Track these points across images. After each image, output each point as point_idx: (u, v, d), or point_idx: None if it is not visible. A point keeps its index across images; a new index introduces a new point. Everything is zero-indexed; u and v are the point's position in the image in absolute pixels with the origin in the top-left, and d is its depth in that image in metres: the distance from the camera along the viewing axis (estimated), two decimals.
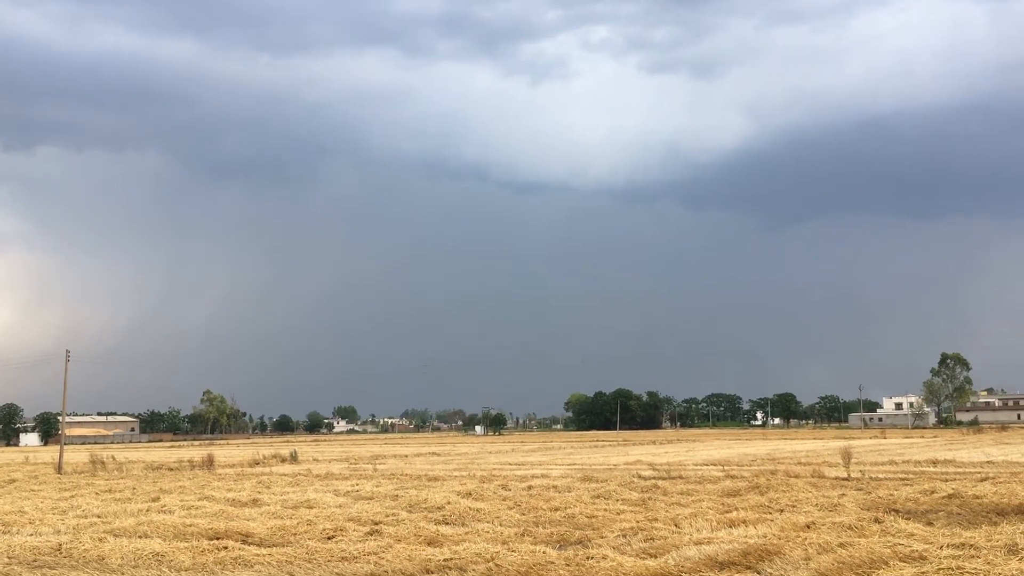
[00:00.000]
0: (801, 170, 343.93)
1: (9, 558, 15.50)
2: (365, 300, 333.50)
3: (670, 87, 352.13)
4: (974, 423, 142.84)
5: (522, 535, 17.00)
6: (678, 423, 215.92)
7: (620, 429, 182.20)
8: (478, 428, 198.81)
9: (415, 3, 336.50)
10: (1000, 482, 25.74)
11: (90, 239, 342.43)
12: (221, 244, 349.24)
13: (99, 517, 21.60)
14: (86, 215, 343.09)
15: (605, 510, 20.82)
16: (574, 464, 43.54)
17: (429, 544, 16.08)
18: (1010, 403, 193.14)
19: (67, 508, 24.01)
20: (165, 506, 23.74)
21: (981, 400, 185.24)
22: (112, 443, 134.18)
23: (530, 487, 27.53)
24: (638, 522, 18.36)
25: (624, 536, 16.53)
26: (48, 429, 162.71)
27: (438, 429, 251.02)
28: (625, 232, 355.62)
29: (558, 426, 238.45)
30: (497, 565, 13.42)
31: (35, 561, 15.16)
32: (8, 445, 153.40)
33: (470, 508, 21.55)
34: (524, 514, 20.50)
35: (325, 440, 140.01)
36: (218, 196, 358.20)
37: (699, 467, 37.80)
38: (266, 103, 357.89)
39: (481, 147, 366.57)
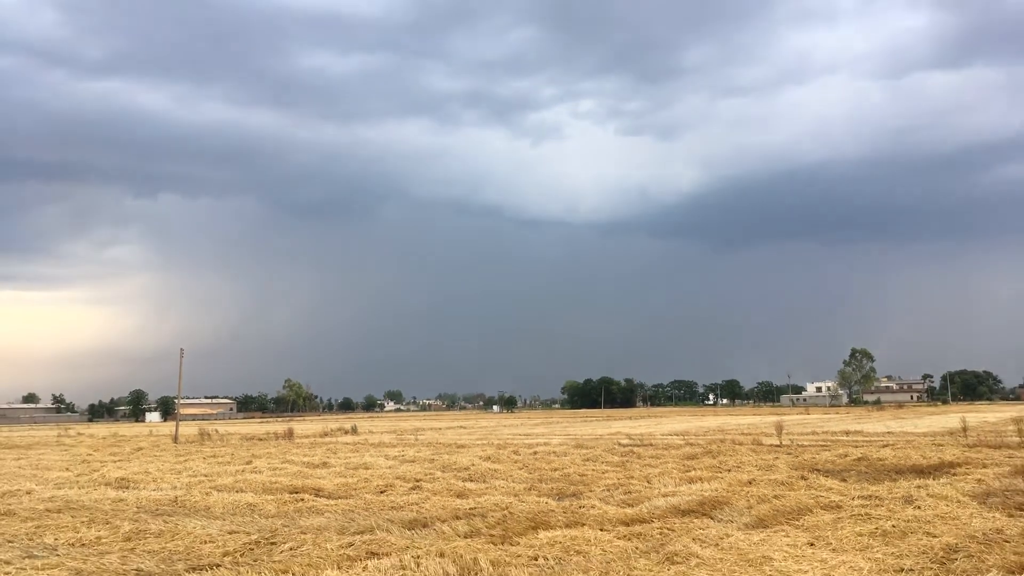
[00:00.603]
0: (743, 208, 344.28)
1: (138, 508, 15.53)
2: (409, 307, 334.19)
3: (640, 146, 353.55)
4: (877, 402, 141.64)
5: (529, 489, 16.94)
6: (649, 403, 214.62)
7: (604, 408, 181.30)
8: (495, 407, 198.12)
9: (447, 83, 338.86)
10: (898, 448, 25.55)
11: (199, 264, 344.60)
12: (299, 266, 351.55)
13: (206, 476, 21.62)
14: (197, 246, 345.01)
15: (593, 470, 20.74)
16: (569, 435, 43.38)
17: (458, 496, 16.04)
18: (904, 387, 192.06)
19: (181, 469, 24.05)
20: (256, 468, 23.75)
21: (882, 384, 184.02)
22: (215, 420, 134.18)
23: (535, 453, 27.43)
24: (618, 479, 18.28)
25: (608, 490, 16.46)
26: (167, 409, 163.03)
27: (464, 408, 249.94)
28: (607, 256, 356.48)
29: (557, 406, 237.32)
30: (511, 512, 13.37)
31: (158, 510, 15.18)
32: (137, 421, 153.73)
33: (489, 469, 21.48)
34: (531, 473, 20.44)
35: (378, 417, 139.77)
36: (297, 230, 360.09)
37: (665, 437, 37.59)
38: (332, 160, 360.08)
39: (497, 192, 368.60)
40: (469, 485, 17.81)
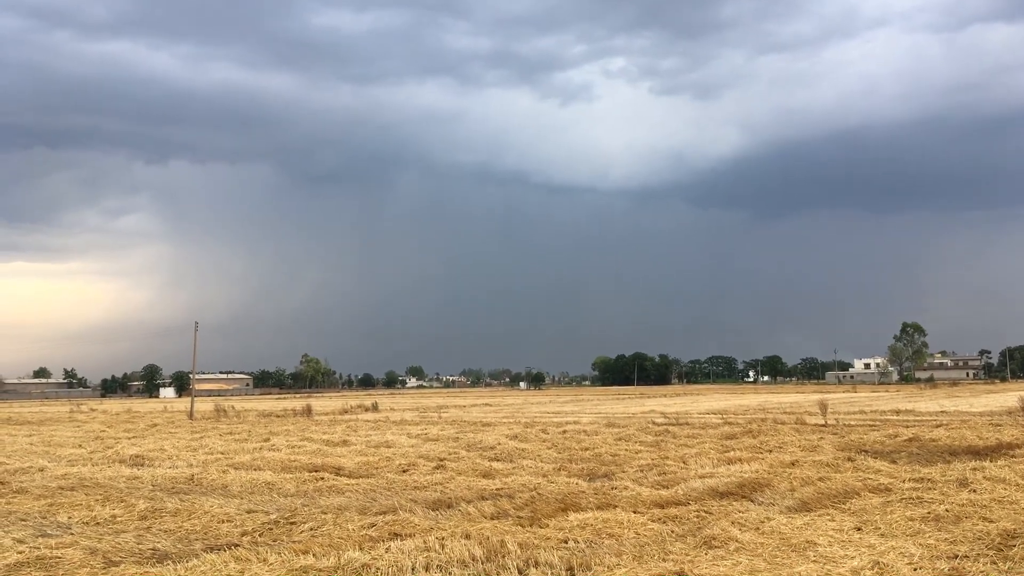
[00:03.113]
0: (785, 175, 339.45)
1: (153, 486, 15.84)
2: (430, 280, 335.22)
3: (676, 107, 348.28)
4: (930, 380, 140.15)
5: (559, 470, 17.02)
6: (685, 380, 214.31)
7: (637, 385, 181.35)
8: (522, 384, 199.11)
9: (467, 41, 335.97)
10: (952, 428, 25.28)
11: (214, 233, 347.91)
12: (316, 238, 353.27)
13: (222, 454, 21.98)
14: (210, 215, 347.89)
15: (626, 450, 20.79)
16: (600, 413, 43.48)
17: (484, 477, 16.16)
18: (960, 363, 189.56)
19: (197, 447, 24.46)
20: (274, 445, 24.10)
21: (936, 361, 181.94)
22: (231, 396, 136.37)
23: (564, 431, 27.54)
24: (653, 460, 18.30)
25: (641, 471, 16.49)
26: (182, 384, 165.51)
27: (490, 385, 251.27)
28: (640, 225, 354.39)
29: (587, 383, 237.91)
30: (539, 494, 13.45)
31: (173, 488, 15.48)
32: (151, 397, 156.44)
33: (516, 448, 21.61)
34: (560, 453, 20.53)
35: (400, 394, 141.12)
36: (314, 199, 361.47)
37: (702, 416, 37.56)
38: (349, 125, 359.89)
39: (522, 157, 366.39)
40: (495, 465, 17.94)
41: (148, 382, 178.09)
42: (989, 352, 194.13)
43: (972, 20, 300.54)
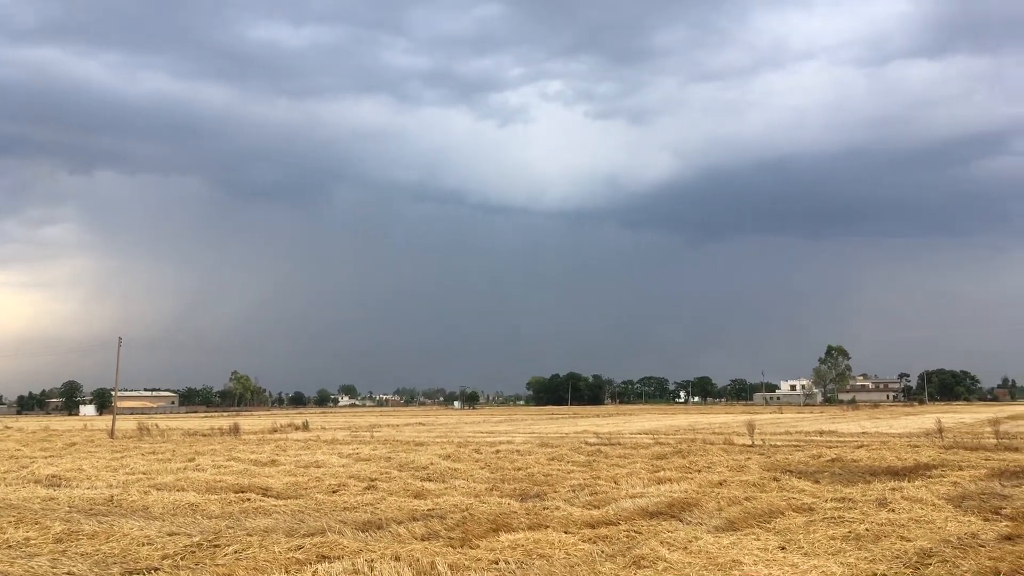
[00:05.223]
0: (716, 200, 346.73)
1: (70, 507, 15.26)
2: (364, 297, 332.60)
3: (611, 131, 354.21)
4: (852, 402, 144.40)
5: (491, 490, 16.97)
6: (618, 400, 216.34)
7: (571, 405, 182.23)
8: (456, 403, 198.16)
9: (406, 59, 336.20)
10: (872, 449, 26.06)
11: (142, 246, 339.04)
12: (249, 252, 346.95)
13: (144, 474, 21.33)
14: (137, 227, 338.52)
15: (558, 470, 20.84)
16: (533, 433, 43.55)
17: (416, 497, 16.01)
18: (880, 386, 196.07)
19: (118, 467, 23.68)
20: (199, 465, 23.47)
21: (858, 383, 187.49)
22: (156, 414, 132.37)
23: (498, 451, 27.49)
24: (585, 480, 18.39)
25: (573, 491, 16.55)
26: (103, 402, 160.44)
27: (424, 404, 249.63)
28: (575, 247, 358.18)
29: (521, 402, 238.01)
30: (471, 514, 13.38)
31: (91, 510, 14.93)
32: (70, 415, 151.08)
33: (449, 468, 21.48)
34: (493, 473, 20.47)
35: (331, 412, 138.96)
36: (247, 213, 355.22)
37: (634, 436, 37.94)
38: (285, 139, 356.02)
39: (459, 177, 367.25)
40: (428, 485, 17.79)
41: (68, 399, 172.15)
42: (908, 375, 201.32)
43: (895, 56, 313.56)
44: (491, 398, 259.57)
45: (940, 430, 34.56)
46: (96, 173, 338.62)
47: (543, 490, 16.84)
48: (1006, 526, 11.53)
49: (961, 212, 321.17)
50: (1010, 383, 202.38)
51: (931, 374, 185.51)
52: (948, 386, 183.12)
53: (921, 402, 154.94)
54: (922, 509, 12.91)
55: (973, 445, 27.71)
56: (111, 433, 46.50)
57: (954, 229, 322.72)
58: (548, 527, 12.02)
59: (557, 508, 13.83)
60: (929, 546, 10.14)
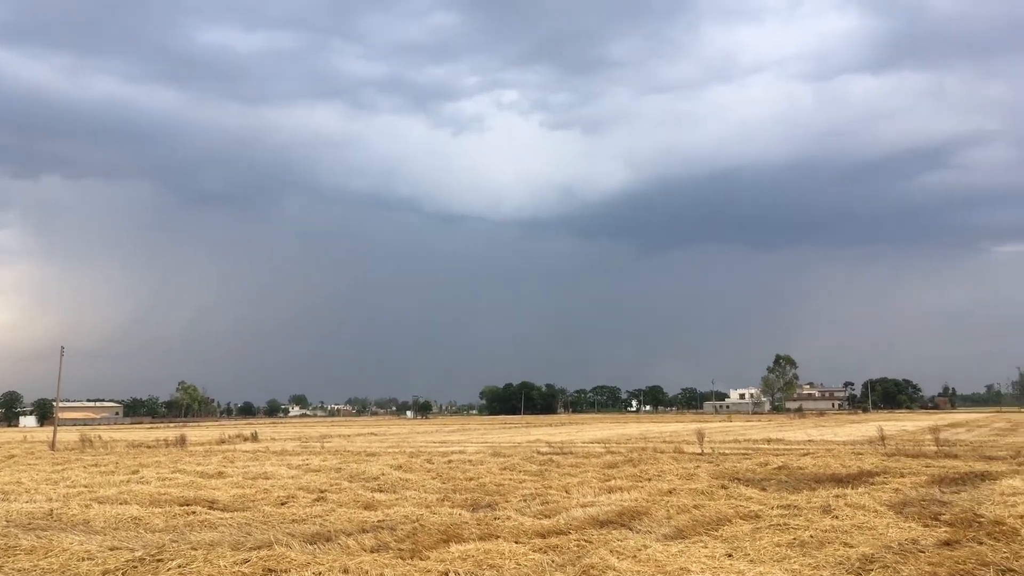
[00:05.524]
0: (668, 210, 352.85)
1: (7, 522, 14.79)
2: (317, 305, 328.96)
3: (566, 141, 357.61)
4: (799, 410, 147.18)
5: (442, 500, 16.89)
6: (571, 409, 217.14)
7: (524, 414, 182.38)
8: (409, 413, 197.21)
9: (361, 67, 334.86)
10: (818, 456, 26.52)
11: (85, 253, 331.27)
12: (198, 260, 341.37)
13: (86, 487, 20.77)
14: (82, 233, 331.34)
15: (510, 479, 20.83)
16: (486, 443, 43.46)
17: (366, 508, 15.86)
18: (826, 395, 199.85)
19: (59, 479, 23.03)
20: (143, 478, 22.94)
21: (805, 392, 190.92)
22: (99, 425, 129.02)
23: (450, 461, 27.38)
24: (536, 489, 18.40)
25: (525, 501, 16.55)
26: (44, 413, 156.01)
27: (376, 414, 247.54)
28: (530, 256, 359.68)
29: (474, 412, 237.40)
30: (421, 525, 13.30)
31: (30, 524, 14.49)
32: (9, 426, 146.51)
33: (400, 478, 21.32)
34: (444, 483, 20.37)
35: (281, 423, 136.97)
36: (196, 220, 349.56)
37: (586, 445, 38.10)
38: (236, 145, 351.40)
39: (414, 185, 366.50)
40: (378, 496, 17.63)
41: (7, 410, 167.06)
42: (853, 384, 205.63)
43: (841, 71, 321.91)
44: (444, 408, 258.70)
45: (883, 438, 35.37)
46: (42, 177, 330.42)
47: (495, 500, 16.81)
48: (945, 532, 11.83)
49: (904, 222, 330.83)
50: (950, 391, 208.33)
51: (875, 383, 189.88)
52: (891, 394, 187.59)
53: (865, 410, 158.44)
54: (865, 516, 13.18)
55: (914, 452, 28.40)
56: (52, 445, 45.18)
57: (897, 239, 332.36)
58: (499, 537, 11.99)
59: (508, 518, 13.81)
60: (871, 552, 10.36)
